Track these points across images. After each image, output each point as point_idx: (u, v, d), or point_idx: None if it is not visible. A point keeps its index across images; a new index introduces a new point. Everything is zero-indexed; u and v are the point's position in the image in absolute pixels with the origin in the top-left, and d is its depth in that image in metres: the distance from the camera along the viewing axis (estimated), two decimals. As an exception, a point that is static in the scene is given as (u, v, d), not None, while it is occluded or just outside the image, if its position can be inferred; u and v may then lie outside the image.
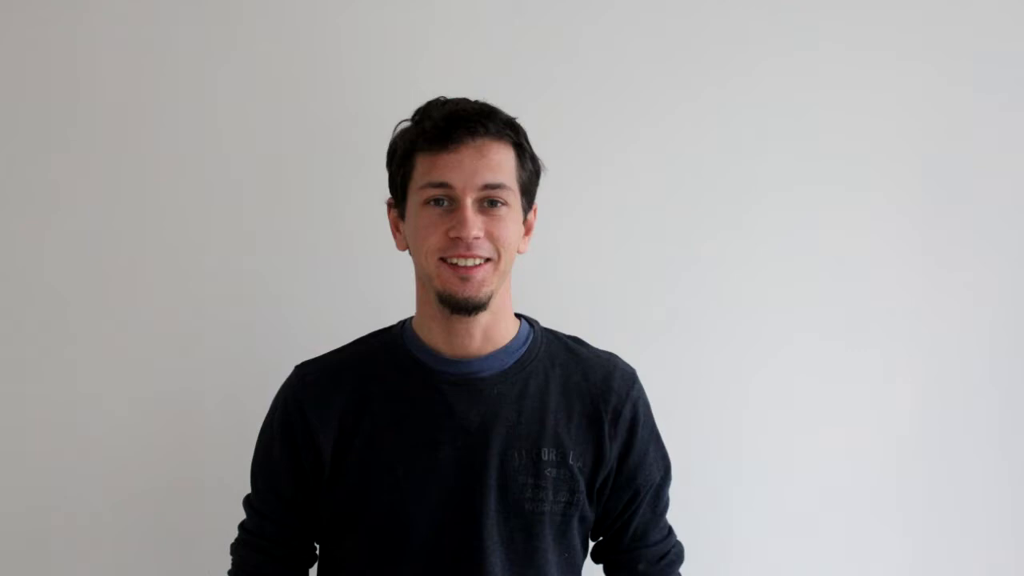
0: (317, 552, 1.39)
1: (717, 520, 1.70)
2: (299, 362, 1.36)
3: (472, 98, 1.29)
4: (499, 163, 1.23)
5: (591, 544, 1.40)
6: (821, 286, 1.73)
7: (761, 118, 1.72)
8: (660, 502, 1.37)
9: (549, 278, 1.63)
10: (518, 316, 1.36)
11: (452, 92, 1.32)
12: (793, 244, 1.73)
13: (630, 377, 1.34)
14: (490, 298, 1.23)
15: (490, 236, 1.22)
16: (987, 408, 1.76)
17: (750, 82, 1.72)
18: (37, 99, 1.65)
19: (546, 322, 1.40)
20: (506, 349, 1.30)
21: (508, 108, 1.31)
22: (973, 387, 1.76)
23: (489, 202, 1.22)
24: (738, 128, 1.72)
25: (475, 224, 1.21)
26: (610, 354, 1.37)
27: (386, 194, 1.33)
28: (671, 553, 1.38)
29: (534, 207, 1.33)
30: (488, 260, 1.23)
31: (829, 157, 1.73)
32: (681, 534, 1.40)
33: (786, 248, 1.72)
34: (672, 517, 1.41)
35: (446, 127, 1.21)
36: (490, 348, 1.29)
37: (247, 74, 1.67)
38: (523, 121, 1.31)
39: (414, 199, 1.25)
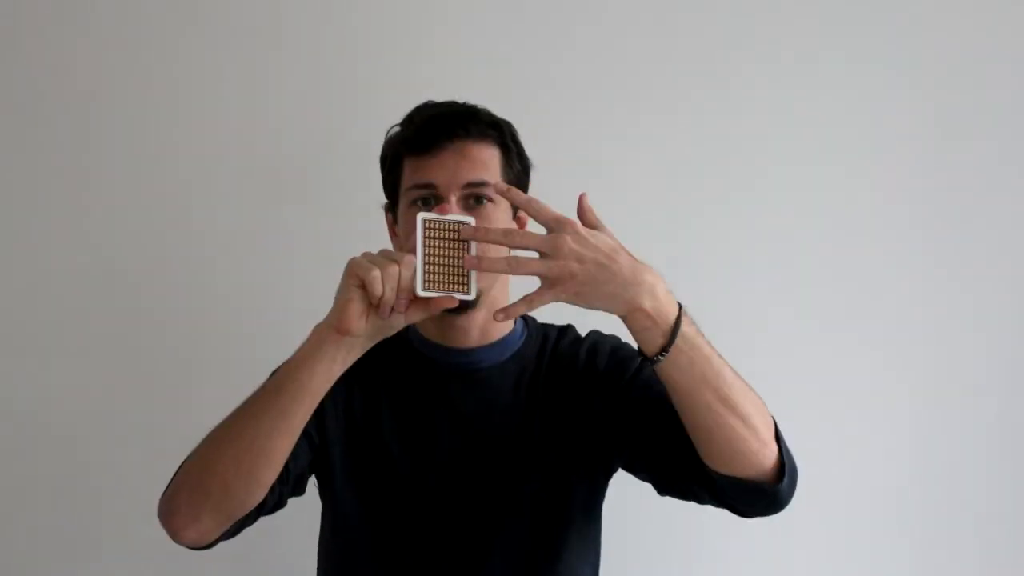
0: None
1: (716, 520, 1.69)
2: None
3: (463, 100, 1.30)
4: (483, 162, 1.25)
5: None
6: (821, 288, 1.73)
7: (761, 119, 1.73)
8: None
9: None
10: None
11: (452, 92, 1.33)
12: (793, 245, 1.73)
13: (590, 334, 1.35)
14: (479, 295, 1.23)
15: None
16: (987, 410, 1.76)
17: (750, 84, 1.73)
18: (36, 100, 1.66)
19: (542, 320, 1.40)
20: (503, 342, 1.32)
21: (507, 107, 1.31)
22: (974, 388, 1.75)
23: (475, 199, 1.24)
24: (737, 129, 1.73)
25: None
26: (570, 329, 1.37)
27: (382, 196, 1.34)
28: None
29: None
30: None
31: (829, 158, 1.74)
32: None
33: (786, 249, 1.73)
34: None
35: (427, 133, 1.25)
36: (487, 342, 1.31)
37: (246, 74, 1.68)
38: (520, 121, 1.31)
39: (404, 201, 1.28)
